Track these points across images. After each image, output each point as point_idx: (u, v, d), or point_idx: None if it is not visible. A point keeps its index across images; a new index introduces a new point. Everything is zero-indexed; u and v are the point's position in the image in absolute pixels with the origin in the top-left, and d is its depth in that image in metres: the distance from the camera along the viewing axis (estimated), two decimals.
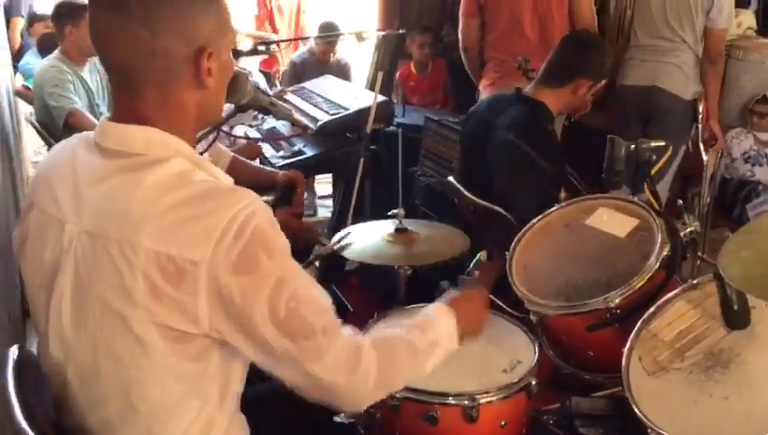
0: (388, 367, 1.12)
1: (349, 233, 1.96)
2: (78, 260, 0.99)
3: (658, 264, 1.57)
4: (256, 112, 3.95)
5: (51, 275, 1.03)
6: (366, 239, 1.92)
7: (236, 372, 1.08)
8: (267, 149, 3.27)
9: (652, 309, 1.48)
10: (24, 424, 1.02)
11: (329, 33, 4.35)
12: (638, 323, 1.46)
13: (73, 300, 1.01)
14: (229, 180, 1.06)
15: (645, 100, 3.21)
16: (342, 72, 4.59)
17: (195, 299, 0.94)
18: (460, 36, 3.34)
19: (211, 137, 1.69)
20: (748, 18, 3.81)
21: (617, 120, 3.34)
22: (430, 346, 1.22)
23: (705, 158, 3.23)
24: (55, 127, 3.41)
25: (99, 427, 1.05)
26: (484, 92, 3.26)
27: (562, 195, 2.32)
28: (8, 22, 5.27)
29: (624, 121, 3.27)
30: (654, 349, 1.42)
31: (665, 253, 1.58)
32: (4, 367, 1.15)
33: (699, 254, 1.67)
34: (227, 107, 1.65)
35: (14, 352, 1.20)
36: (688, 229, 1.64)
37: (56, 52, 3.51)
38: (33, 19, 5.27)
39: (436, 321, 1.27)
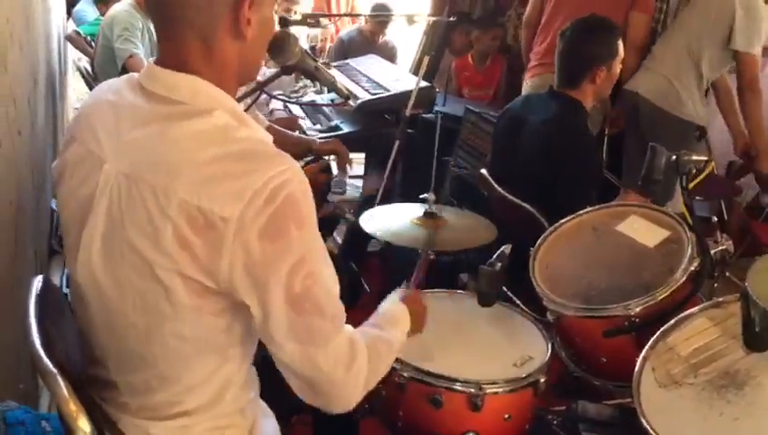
0: (374, 366, 1.12)
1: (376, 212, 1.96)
2: (112, 200, 1.00)
3: (684, 278, 1.55)
4: (297, 85, 3.98)
5: (85, 209, 1.04)
6: (394, 219, 1.92)
7: (256, 335, 1.09)
8: (304, 122, 3.28)
9: (672, 322, 1.46)
10: (42, 352, 1.04)
11: (380, 13, 4.34)
12: (656, 335, 1.45)
13: (104, 238, 1.02)
14: (269, 138, 1.05)
15: (631, 105, 3.15)
16: (389, 54, 4.57)
17: (218, 254, 0.94)
18: (528, 9, 3.49)
19: (251, 98, 1.69)
20: None
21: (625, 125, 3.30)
22: (400, 342, 1.25)
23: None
24: (113, 69, 3.53)
25: (116, 362, 1.07)
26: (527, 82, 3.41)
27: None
28: None
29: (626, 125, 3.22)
30: (669, 362, 1.40)
31: (692, 268, 1.56)
32: (27, 295, 1.18)
33: (727, 274, 1.64)
34: (272, 69, 1.66)
35: (38, 281, 1.23)
36: (720, 248, 1.61)
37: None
38: None
39: (400, 318, 1.29)
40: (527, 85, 3.54)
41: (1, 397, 1.38)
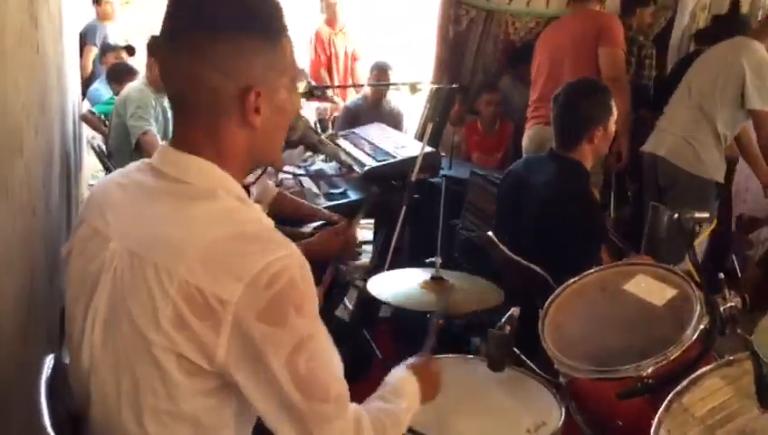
0: None
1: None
2: (117, 277, 1.02)
3: (695, 336, 1.53)
4: (305, 155, 4.06)
5: (90, 288, 1.06)
6: (401, 284, 1.93)
7: (250, 418, 1.09)
8: (312, 190, 3.33)
9: (685, 382, 1.44)
10: (50, 429, 1.04)
11: (382, 84, 4.45)
12: (670, 396, 1.43)
13: (106, 315, 1.03)
14: (270, 223, 1.06)
15: (653, 168, 3.22)
16: (395, 120, 4.67)
17: (216, 336, 0.95)
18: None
19: (259, 170, 1.74)
20: None
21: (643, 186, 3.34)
22: (407, 414, 1.24)
23: None
24: (127, 146, 3.63)
25: None
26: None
27: (603, 255, 2.31)
28: (82, 49, 5.56)
29: (643, 187, 3.28)
30: (684, 424, 1.38)
31: (702, 326, 1.55)
32: (38, 374, 1.19)
33: (738, 331, 1.62)
34: None
35: (49, 360, 1.24)
36: (728, 304, 1.60)
37: (142, 78, 3.75)
38: (105, 49, 5.55)
39: (408, 388, 1.28)
40: (526, 137, 3.75)
41: None
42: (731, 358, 1.46)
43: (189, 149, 1.05)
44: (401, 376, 1.31)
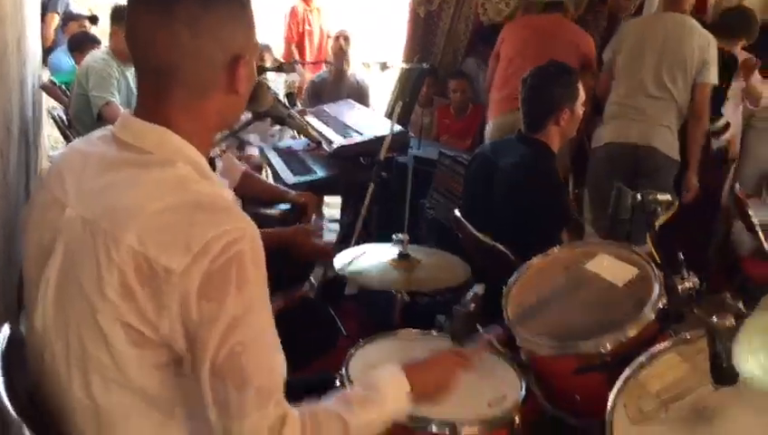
0: None
1: (354, 258, 1.97)
2: (68, 243, 1.01)
3: (653, 315, 1.57)
4: (273, 129, 4.02)
5: (45, 255, 1.05)
6: (368, 262, 1.93)
7: None
8: (280, 167, 3.31)
9: (642, 359, 1.47)
10: (7, 402, 1.02)
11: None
12: (627, 371, 1.46)
13: (58, 280, 1.02)
14: (228, 196, 1.05)
15: (636, 158, 3.27)
16: (360, 92, 4.67)
17: (159, 304, 0.93)
18: (488, 74, 3.91)
19: (226, 143, 1.71)
20: None
21: (595, 176, 3.37)
22: (368, 425, 1.16)
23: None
24: (89, 117, 3.56)
25: (65, 410, 1.05)
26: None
27: (564, 235, 2.34)
28: (44, 17, 5.40)
29: (606, 177, 3.29)
30: (640, 398, 1.41)
31: (660, 305, 1.58)
32: None
33: (695, 310, 1.66)
34: (246, 115, 1.70)
35: (5, 331, 1.22)
36: (687, 284, 1.64)
37: (106, 48, 3.67)
38: (68, 18, 5.41)
39: (385, 395, 1.20)
40: (490, 125, 3.79)
41: None
42: (687, 336, 1.49)
43: (154, 118, 1.03)
44: (387, 383, 1.23)
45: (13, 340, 1.20)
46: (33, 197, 1.15)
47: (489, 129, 3.84)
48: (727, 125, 3.38)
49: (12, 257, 2.49)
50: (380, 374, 1.25)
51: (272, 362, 1.00)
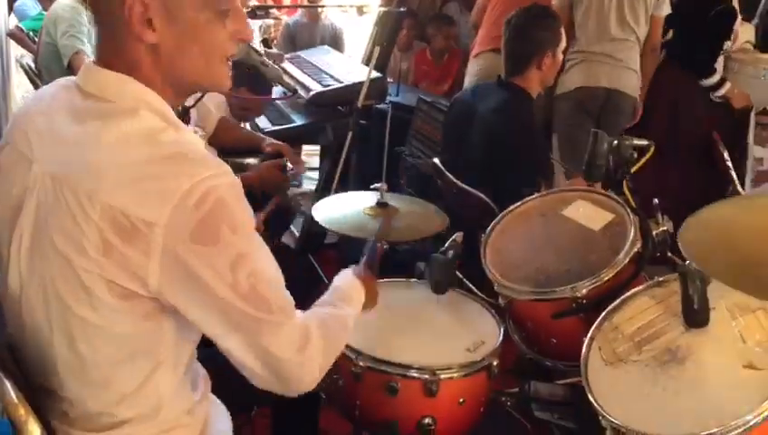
0: (329, 348, 1.14)
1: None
2: (39, 201, 0.99)
3: (628, 259, 1.60)
4: None
5: (15, 210, 1.03)
6: (346, 210, 1.93)
7: (191, 336, 1.08)
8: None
9: (617, 302, 1.51)
10: None
11: (323, 5, 4.37)
12: (602, 315, 1.49)
13: (32, 239, 1.01)
14: (201, 145, 1.04)
15: (604, 102, 3.29)
16: (335, 37, 4.62)
17: (146, 259, 0.92)
18: (473, 13, 3.82)
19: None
20: (747, 32, 3.84)
21: (564, 122, 3.40)
22: (354, 318, 1.29)
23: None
24: (59, 67, 3.48)
25: (48, 366, 1.05)
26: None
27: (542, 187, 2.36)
28: None
29: (577, 121, 3.32)
30: (614, 340, 1.45)
31: (635, 249, 1.61)
32: None
33: (669, 254, 1.70)
34: None
35: None
36: (661, 229, 1.67)
37: None
38: None
39: (354, 294, 1.33)
40: (473, 67, 3.71)
41: None
42: (660, 279, 1.53)
43: (109, 64, 1.00)
44: (348, 282, 1.35)
45: None
46: None
47: (472, 67, 3.81)
48: (722, 80, 3.37)
49: None
50: (343, 280, 1.37)
51: (280, 283, 1.05)
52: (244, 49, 1.58)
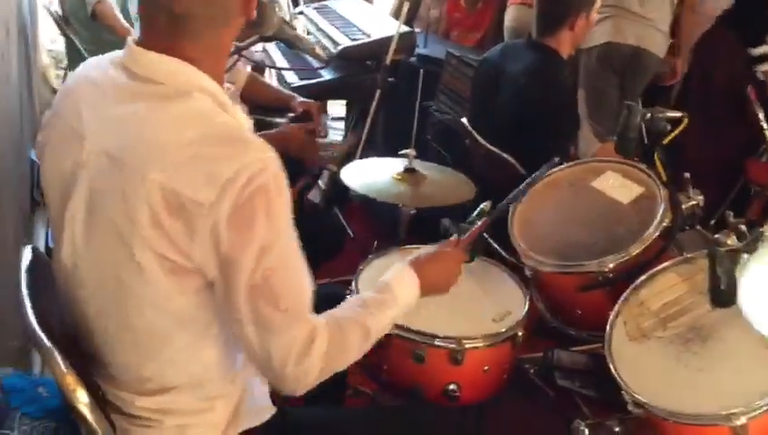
0: (333, 357, 1.12)
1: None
2: (92, 177, 1.02)
3: (657, 233, 1.60)
4: None
5: (68, 185, 1.06)
6: (374, 174, 1.95)
7: None
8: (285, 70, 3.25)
9: (643, 277, 1.52)
10: (37, 327, 1.07)
11: None
12: (628, 290, 1.51)
13: (86, 214, 1.04)
14: (248, 124, 1.06)
15: (628, 59, 3.23)
16: None
17: (191, 235, 0.96)
18: None
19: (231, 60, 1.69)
20: None
21: (591, 76, 3.32)
22: (384, 327, 1.24)
23: None
24: (83, 13, 3.50)
25: (99, 334, 1.10)
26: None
27: (572, 150, 2.34)
28: None
29: (604, 76, 3.27)
30: (640, 316, 1.47)
31: (665, 223, 1.61)
32: (17, 266, 1.21)
33: (698, 227, 1.70)
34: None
35: (27, 253, 1.25)
36: (691, 202, 1.66)
37: None
38: None
39: (398, 294, 1.26)
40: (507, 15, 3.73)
41: None
42: (688, 256, 1.53)
43: (166, 50, 1.01)
44: (398, 283, 1.28)
45: (36, 261, 1.24)
46: (48, 123, 1.14)
47: (506, 15, 3.77)
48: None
49: (22, 157, 2.51)
50: (391, 274, 1.30)
51: (301, 283, 1.06)
52: (277, 24, 1.58)
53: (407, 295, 1.28)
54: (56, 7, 3.97)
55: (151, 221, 0.96)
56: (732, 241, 1.44)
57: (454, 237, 1.47)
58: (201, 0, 0.99)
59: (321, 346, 1.09)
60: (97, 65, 1.12)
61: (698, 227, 1.71)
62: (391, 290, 1.26)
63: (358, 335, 1.17)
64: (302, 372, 1.08)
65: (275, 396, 1.26)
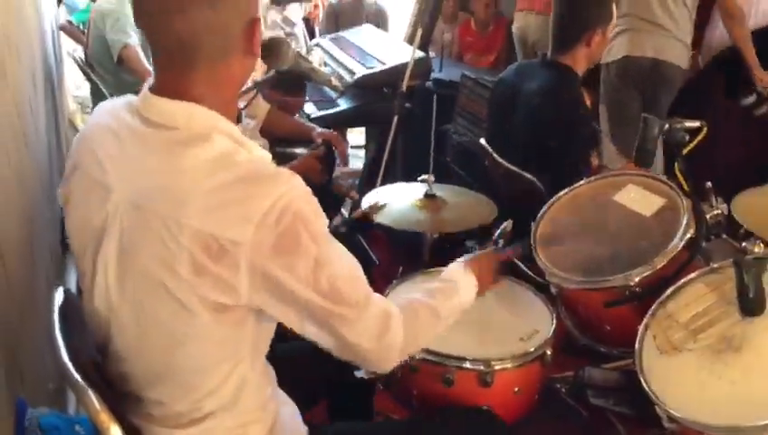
0: (412, 334, 1.21)
1: (378, 199, 2.00)
2: (123, 229, 1.04)
3: (682, 245, 1.58)
4: None
5: (97, 237, 1.07)
6: (395, 202, 1.96)
7: (267, 333, 1.15)
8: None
9: (671, 290, 1.50)
10: (70, 366, 1.09)
11: None
12: (656, 303, 1.49)
13: (118, 265, 1.06)
14: (267, 157, 1.08)
15: (647, 71, 3.18)
16: (379, 17, 4.58)
17: (235, 275, 0.98)
18: None
19: (247, 98, 1.73)
20: None
21: (612, 91, 3.30)
22: (451, 311, 1.34)
23: None
24: (108, 60, 3.57)
25: (138, 379, 1.12)
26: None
27: (595, 162, 2.33)
28: None
29: (624, 90, 3.24)
30: (669, 329, 1.45)
31: (689, 235, 1.59)
32: (50, 307, 1.24)
33: (724, 236, 1.68)
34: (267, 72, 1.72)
35: (59, 294, 1.28)
36: (714, 212, 1.65)
37: None
38: None
39: (459, 284, 1.37)
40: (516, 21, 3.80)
41: (34, 399, 1.45)
42: (715, 265, 1.51)
43: (179, 94, 1.03)
44: (458, 273, 1.40)
45: (67, 302, 1.27)
46: (70, 175, 1.15)
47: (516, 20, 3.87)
48: None
49: (53, 208, 2.57)
50: (450, 270, 1.42)
51: (357, 275, 1.12)
52: (292, 59, 1.62)
53: (467, 289, 1.38)
54: (80, 54, 4.09)
55: (193, 268, 0.98)
56: (759, 249, 1.42)
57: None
58: (205, 27, 1.00)
59: (397, 320, 1.17)
60: (111, 111, 1.13)
61: (724, 236, 1.69)
62: (455, 281, 1.38)
63: (428, 315, 1.28)
64: (384, 347, 1.15)
65: None
